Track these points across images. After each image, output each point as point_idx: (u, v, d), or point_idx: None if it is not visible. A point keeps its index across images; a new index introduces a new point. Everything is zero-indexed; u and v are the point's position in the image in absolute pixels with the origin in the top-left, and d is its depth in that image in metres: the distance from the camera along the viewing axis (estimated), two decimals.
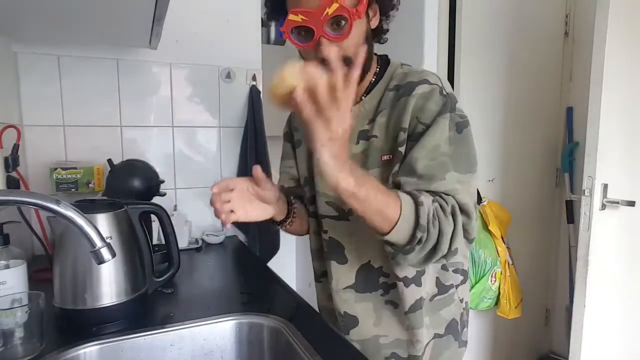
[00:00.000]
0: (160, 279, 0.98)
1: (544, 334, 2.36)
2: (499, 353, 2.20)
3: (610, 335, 1.70)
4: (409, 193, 0.71)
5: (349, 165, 0.64)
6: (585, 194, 1.57)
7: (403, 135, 0.78)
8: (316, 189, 0.93)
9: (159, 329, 0.82)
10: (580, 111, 2.10)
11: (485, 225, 1.82)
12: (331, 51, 0.70)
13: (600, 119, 1.51)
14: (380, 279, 0.88)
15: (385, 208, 0.67)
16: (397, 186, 0.76)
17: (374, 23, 0.82)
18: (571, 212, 2.16)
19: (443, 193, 0.73)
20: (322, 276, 0.99)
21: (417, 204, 0.69)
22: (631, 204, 1.53)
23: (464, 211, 0.73)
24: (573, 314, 1.63)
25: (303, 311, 0.93)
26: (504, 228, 1.90)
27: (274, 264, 1.41)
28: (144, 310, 0.90)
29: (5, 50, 1.24)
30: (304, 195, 1.00)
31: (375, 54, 0.89)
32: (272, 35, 2.66)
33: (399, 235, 0.69)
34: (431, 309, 0.89)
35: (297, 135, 1.01)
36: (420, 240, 0.69)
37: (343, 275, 0.91)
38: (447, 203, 0.72)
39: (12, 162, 1.09)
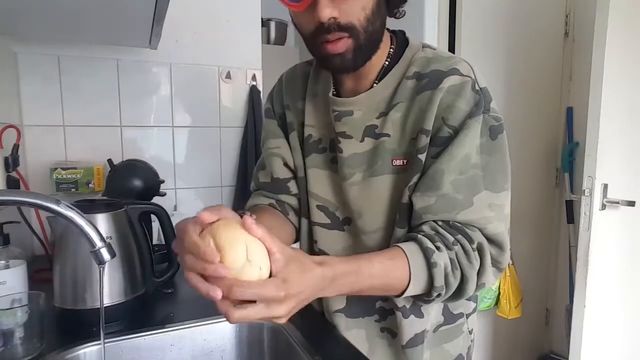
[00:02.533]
0: (160, 279, 0.98)
1: (544, 334, 2.36)
2: (499, 353, 2.20)
3: (610, 335, 1.70)
4: (420, 244, 0.61)
5: (322, 283, 0.54)
6: (585, 194, 1.57)
7: (425, 140, 0.64)
8: (308, 188, 0.79)
9: (159, 329, 0.82)
10: (580, 111, 2.10)
11: None
12: (325, 13, 0.57)
13: (600, 119, 1.51)
14: (377, 303, 0.77)
15: (387, 287, 0.60)
16: (412, 206, 0.66)
17: None
18: (571, 212, 2.16)
19: (469, 225, 0.63)
20: None
21: (430, 266, 0.60)
22: (631, 204, 1.53)
23: (495, 243, 0.64)
24: (573, 314, 1.63)
25: (303, 311, 0.92)
26: None
27: None
28: (144, 310, 0.90)
29: (5, 50, 1.24)
30: (284, 194, 0.84)
31: (389, 30, 0.73)
32: (272, 35, 2.66)
33: (411, 293, 0.62)
34: (434, 341, 0.77)
35: (289, 116, 0.82)
36: (439, 295, 0.62)
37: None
38: (471, 241, 0.62)
39: (12, 162, 1.09)
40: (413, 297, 0.65)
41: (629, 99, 1.59)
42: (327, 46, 0.62)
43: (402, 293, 0.61)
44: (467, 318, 0.80)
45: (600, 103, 1.51)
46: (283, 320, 0.51)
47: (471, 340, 0.83)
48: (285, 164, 0.82)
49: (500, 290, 1.83)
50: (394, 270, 0.60)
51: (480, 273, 0.63)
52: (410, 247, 0.61)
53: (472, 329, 0.82)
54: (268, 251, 0.49)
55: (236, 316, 0.47)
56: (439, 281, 0.60)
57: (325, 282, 0.54)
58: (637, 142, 1.63)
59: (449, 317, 0.78)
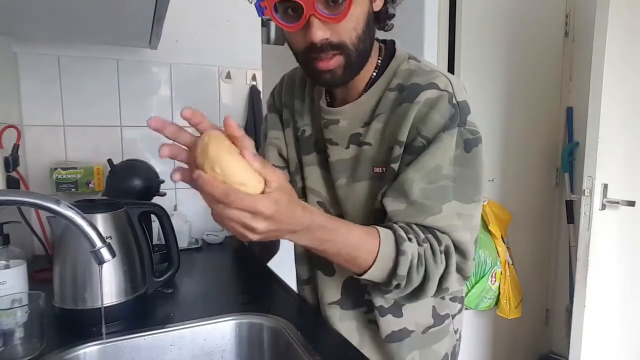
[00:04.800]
0: (160, 279, 0.98)
1: (544, 334, 2.36)
2: (499, 353, 2.20)
3: (610, 335, 1.70)
4: (394, 232, 0.63)
5: (297, 225, 0.56)
6: (585, 194, 1.57)
7: (398, 150, 0.67)
8: (306, 183, 0.82)
9: (159, 329, 0.82)
10: (580, 111, 2.10)
11: (485, 225, 1.82)
12: (318, 35, 0.60)
13: (600, 119, 1.51)
14: (365, 296, 0.80)
15: (353, 260, 0.62)
16: (384, 210, 0.68)
17: (378, 5, 0.68)
18: (571, 212, 2.16)
19: (438, 230, 0.65)
20: (305, 282, 0.90)
21: (398, 253, 0.61)
22: (631, 204, 1.53)
23: (459, 250, 0.65)
24: (573, 314, 1.63)
25: (303, 311, 0.93)
26: (504, 228, 1.90)
27: (273, 264, 1.41)
28: (144, 310, 0.90)
29: (5, 50, 1.24)
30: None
31: (378, 40, 0.75)
32: (272, 35, 2.67)
33: (370, 276, 0.63)
34: (423, 342, 0.79)
35: (285, 113, 0.87)
36: (398, 286, 0.63)
37: (329, 288, 0.83)
38: (439, 243, 0.64)
39: (12, 162, 1.09)
40: (374, 285, 0.66)
41: (629, 99, 1.59)
42: (319, 63, 0.65)
43: (364, 273, 0.63)
44: (452, 319, 0.83)
45: (600, 103, 1.51)
46: (255, 237, 0.53)
47: (457, 340, 0.85)
48: (280, 154, 0.87)
49: (500, 290, 1.82)
50: (365, 245, 0.62)
51: (444, 276, 0.64)
52: (384, 231, 0.63)
53: (457, 329, 0.85)
54: (265, 179, 0.51)
55: (217, 210, 0.50)
56: (402, 270, 0.61)
57: (300, 226, 0.56)
58: (637, 142, 1.63)
59: (437, 319, 0.80)
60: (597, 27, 1.50)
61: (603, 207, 1.56)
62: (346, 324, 0.82)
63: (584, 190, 1.57)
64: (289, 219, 0.54)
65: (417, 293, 0.65)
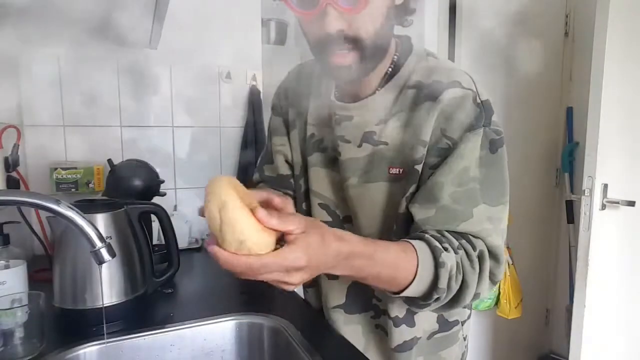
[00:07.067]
0: (160, 279, 0.98)
1: (544, 334, 2.36)
2: (499, 353, 2.20)
3: (610, 335, 1.70)
4: (429, 243, 0.60)
5: (336, 259, 0.53)
6: (585, 194, 1.57)
7: (422, 151, 0.64)
8: (309, 186, 0.80)
9: (159, 329, 0.82)
10: (580, 111, 2.10)
11: None
12: (333, 26, 0.58)
13: (600, 119, 1.51)
14: (372, 300, 0.78)
15: (392, 280, 0.58)
16: (412, 217, 0.65)
17: None
18: (571, 212, 2.16)
19: (472, 235, 0.63)
20: (309, 285, 0.88)
21: (438, 266, 0.58)
22: (631, 204, 1.53)
23: (493, 255, 0.63)
24: (573, 314, 1.63)
25: (303, 311, 0.93)
26: None
27: None
28: (144, 310, 0.90)
29: (5, 50, 1.24)
30: (289, 190, 0.87)
31: (394, 36, 0.72)
32: (272, 35, 2.66)
33: (410, 293, 0.60)
34: (429, 348, 0.77)
35: (292, 114, 0.84)
36: (438, 299, 0.60)
37: (332, 292, 0.80)
38: (474, 248, 0.61)
39: (12, 162, 1.09)
40: (408, 299, 0.63)
41: (629, 99, 1.59)
42: (333, 57, 0.62)
43: (403, 290, 0.59)
44: (462, 325, 0.80)
45: (600, 103, 1.50)
46: (292, 288, 0.52)
47: (465, 347, 0.83)
48: (287, 161, 0.86)
49: (500, 290, 1.82)
50: (404, 263, 0.58)
51: (478, 281, 0.62)
52: (419, 244, 0.60)
53: (465, 335, 0.82)
54: (285, 231, 0.50)
55: (247, 276, 0.51)
56: (443, 282, 0.58)
57: (339, 258, 0.53)
58: (637, 142, 1.63)
59: (444, 325, 0.78)
60: (597, 27, 1.50)
61: (603, 207, 1.56)
62: (351, 328, 0.80)
63: (584, 190, 1.57)
64: (324, 258, 0.51)
65: (454, 302, 0.62)
